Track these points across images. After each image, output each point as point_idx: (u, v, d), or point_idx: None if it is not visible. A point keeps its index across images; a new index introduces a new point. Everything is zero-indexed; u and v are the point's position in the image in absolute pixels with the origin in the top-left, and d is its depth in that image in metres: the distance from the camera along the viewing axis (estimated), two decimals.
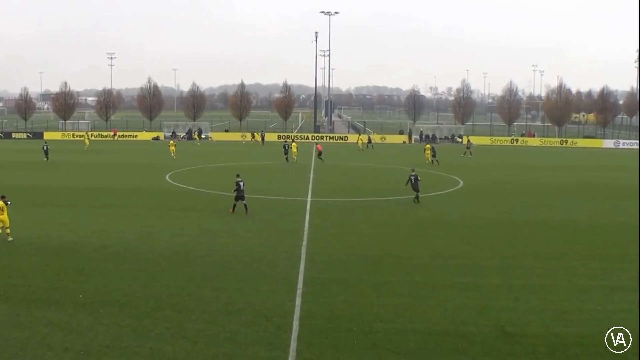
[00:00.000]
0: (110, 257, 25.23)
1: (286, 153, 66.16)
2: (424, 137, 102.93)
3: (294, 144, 68.42)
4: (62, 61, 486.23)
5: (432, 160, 60.59)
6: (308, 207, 37.40)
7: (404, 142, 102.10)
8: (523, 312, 19.12)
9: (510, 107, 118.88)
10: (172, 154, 69.14)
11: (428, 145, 67.62)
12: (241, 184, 34.86)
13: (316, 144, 73.08)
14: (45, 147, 66.95)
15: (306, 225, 31.95)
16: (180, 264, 24.30)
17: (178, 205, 37.68)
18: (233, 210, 34.81)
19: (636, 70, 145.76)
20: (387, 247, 27.39)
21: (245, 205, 34.67)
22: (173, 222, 32.61)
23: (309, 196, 41.57)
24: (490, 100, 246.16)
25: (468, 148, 76.94)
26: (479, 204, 39.99)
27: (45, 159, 64.75)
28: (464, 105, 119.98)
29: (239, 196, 34.73)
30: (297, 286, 21.35)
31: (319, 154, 65.93)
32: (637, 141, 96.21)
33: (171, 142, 74.17)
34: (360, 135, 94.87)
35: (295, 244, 27.65)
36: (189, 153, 76.02)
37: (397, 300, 20.03)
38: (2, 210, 27.81)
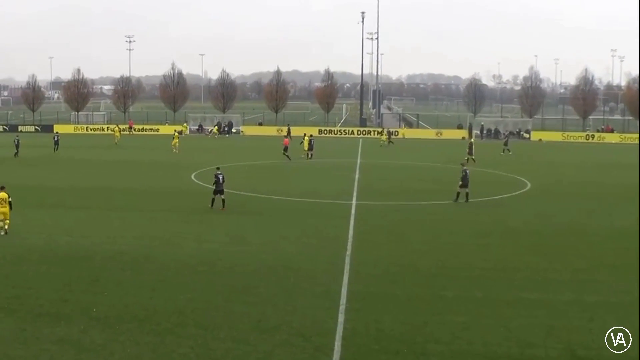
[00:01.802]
0: (128, 266, 25.48)
1: (311, 149, 66.54)
2: (485, 132, 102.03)
3: (305, 138, 68.57)
4: (74, 45, 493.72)
5: (468, 158, 60.08)
6: (353, 211, 37.37)
7: (463, 138, 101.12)
8: (598, 333, 18.79)
9: (585, 98, 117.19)
10: (174, 149, 71.64)
11: (472, 140, 67.51)
12: (220, 177, 37.03)
13: (285, 136, 72.00)
14: (56, 138, 72.12)
15: (350, 231, 31.94)
16: (206, 274, 24.46)
17: (203, 208, 37.89)
18: (212, 205, 37.12)
19: None
20: (441, 257, 27.28)
21: (223, 200, 36.98)
22: (198, 226, 32.89)
23: (354, 199, 41.53)
24: (562, 91, 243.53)
25: (505, 145, 75.48)
26: (548, 208, 39.60)
27: (55, 150, 69.97)
28: (531, 96, 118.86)
29: (218, 190, 37.09)
30: (340, 301, 21.34)
31: (285, 149, 65.71)
32: None
33: (175, 134, 75.49)
34: (383, 129, 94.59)
35: (338, 253, 27.63)
36: (217, 149, 76.48)
37: (454, 319, 19.93)
38: (5, 202, 28.51)
